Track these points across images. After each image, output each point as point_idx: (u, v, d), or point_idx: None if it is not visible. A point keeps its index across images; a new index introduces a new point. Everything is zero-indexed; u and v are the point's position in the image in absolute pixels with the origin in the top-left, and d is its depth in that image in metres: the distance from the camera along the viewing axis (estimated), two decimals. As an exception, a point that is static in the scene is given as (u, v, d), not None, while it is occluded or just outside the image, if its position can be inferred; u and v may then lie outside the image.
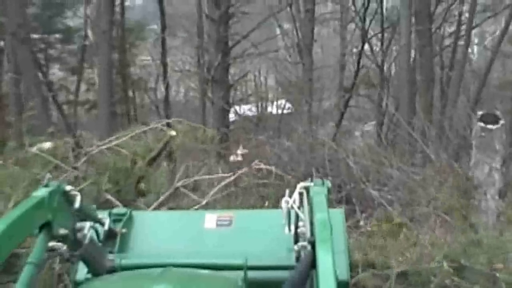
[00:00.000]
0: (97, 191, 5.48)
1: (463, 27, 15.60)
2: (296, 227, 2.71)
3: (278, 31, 21.22)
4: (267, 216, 3.47)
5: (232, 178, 6.43)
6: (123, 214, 3.30)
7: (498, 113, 6.48)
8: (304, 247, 2.49)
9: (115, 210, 3.32)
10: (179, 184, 6.22)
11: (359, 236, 5.67)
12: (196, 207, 5.82)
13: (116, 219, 3.24)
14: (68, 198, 2.68)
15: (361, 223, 6.69)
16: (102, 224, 3.06)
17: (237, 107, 19.76)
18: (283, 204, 2.73)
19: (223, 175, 6.60)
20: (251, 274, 2.86)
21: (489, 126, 6.30)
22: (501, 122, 6.34)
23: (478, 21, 17.70)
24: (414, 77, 13.42)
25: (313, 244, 2.34)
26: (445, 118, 12.46)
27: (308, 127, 12.03)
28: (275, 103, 23.14)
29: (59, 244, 2.65)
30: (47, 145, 6.29)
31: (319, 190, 2.74)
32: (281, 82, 22.28)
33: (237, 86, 20.01)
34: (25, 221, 2.38)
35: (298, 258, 2.54)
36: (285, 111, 21.26)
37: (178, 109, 20.69)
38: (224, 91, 15.25)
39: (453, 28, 17.35)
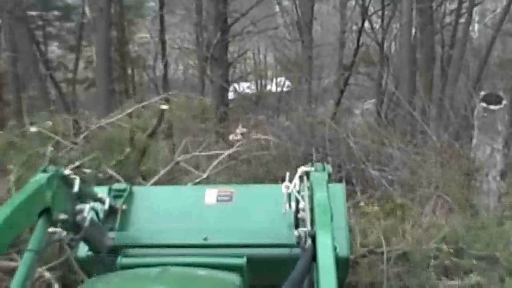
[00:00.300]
0: (97, 166, 5.47)
1: (465, 4, 15.40)
2: (297, 211, 2.71)
3: (277, 8, 21.01)
4: (268, 191, 3.43)
5: (231, 151, 6.47)
6: (123, 190, 3.29)
7: (500, 93, 6.41)
8: (304, 232, 2.45)
9: (115, 186, 3.32)
10: (180, 158, 6.21)
11: (360, 219, 5.63)
12: (197, 180, 5.83)
13: (116, 195, 3.24)
14: (67, 182, 2.68)
15: (361, 203, 6.65)
16: (103, 202, 3.07)
17: (236, 85, 19.63)
18: (283, 189, 2.75)
19: (222, 152, 6.63)
20: (251, 251, 2.90)
21: (492, 107, 6.23)
22: (504, 102, 6.27)
23: (479, -2, 17.55)
24: (414, 56, 13.29)
25: (313, 237, 2.32)
26: (445, 97, 12.37)
27: (307, 106, 11.96)
28: (274, 81, 23.03)
29: (59, 229, 2.63)
30: (48, 124, 6.29)
31: (319, 176, 2.74)
32: (280, 60, 22.12)
33: (236, 64, 19.88)
34: (25, 210, 2.38)
35: (298, 243, 2.52)
36: (284, 89, 21.15)
37: (177, 87, 20.52)
38: (223, 69, 15.13)
39: (454, 6, 17.13)
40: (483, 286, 4.44)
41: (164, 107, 6.14)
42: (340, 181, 7.63)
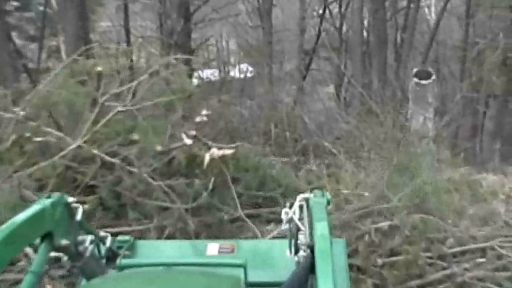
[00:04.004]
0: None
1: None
2: (296, 238, 2.77)
3: (238, -5, 21.96)
4: (269, 245, 3.64)
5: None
6: (126, 241, 3.38)
7: (430, 69, 7.67)
8: (303, 256, 2.54)
9: (118, 238, 3.39)
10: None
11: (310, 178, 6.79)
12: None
13: (118, 246, 3.30)
14: (70, 210, 2.77)
15: (313, 168, 7.80)
16: (104, 242, 3.13)
17: (200, 72, 20.51)
18: (283, 215, 2.83)
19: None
20: None
21: (423, 82, 7.48)
22: (433, 77, 7.52)
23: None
24: (367, 40, 14.50)
25: (311, 248, 2.38)
26: (399, 78, 13.63)
27: (269, 89, 13.02)
28: (237, 67, 23.91)
29: (60, 254, 2.76)
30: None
31: (318, 202, 2.80)
32: (243, 46, 23.09)
33: (199, 51, 20.77)
34: (26, 230, 2.43)
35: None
36: (248, 75, 22.07)
37: (141, 74, 21.20)
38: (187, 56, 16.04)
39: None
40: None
41: (99, 68, 6.10)
42: (297, 153, 8.83)
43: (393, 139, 7.67)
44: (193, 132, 5.85)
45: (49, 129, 5.62)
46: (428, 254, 5.41)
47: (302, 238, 2.65)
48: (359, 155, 7.82)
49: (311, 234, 2.52)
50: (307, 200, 2.83)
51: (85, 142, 5.46)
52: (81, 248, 2.83)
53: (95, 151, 5.44)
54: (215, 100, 9.91)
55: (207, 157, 5.71)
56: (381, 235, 5.45)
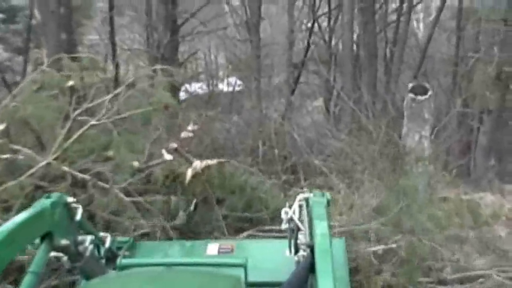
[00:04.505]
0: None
1: (406, 4, 16.35)
2: (296, 238, 2.83)
3: (226, 8, 21.60)
4: (269, 245, 3.68)
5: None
6: (126, 242, 3.43)
7: (427, 85, 7.24)
8: (303, 256, 2.58)
9: (118, 238, 3.45)
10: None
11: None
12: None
13: (118, 246, 3.35)
14: (69, 210, 2.80)
15: (304, 190, 7.33)
16: (103, 242, 3.15)
17: (187, 85, 20.09)
18: (283, 214, 2.90)
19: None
20: None
21: (419, 97, 7.05)
22: (429, 93, 7.10)
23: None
24: (356, 53, 14.09)
25: (311, 248, 2.43)
26: (389, 92, 13.21)
27: (257, 103, 12.61)
28: (225, 80, 23.51)
29: (60, 254, 2.77)
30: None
31: (318, 201, 2.84)
32: (231, 60, 22.73)
33: (186, 64, 20.36)
34: (25, 230, 2.44)
35: None
36: (236, 89, 21.67)
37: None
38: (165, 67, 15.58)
39: (396, 5, 18.08)
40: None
41: (71, 83, 5.86)
42: (286, 171, 8.35)
43: (387, 158, 7.25)
44: (175, 145, 5.45)
45: (16, 146, 5.10)
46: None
47: (302, 238, 2.70)
48: (351, 175, 7.34)
49: (311, 234, 2.55)
50: (307, 200, 2.86)
51: (55, 159, 5.00)
52: (81, 248, 2.85)
53: (66, 169, 4.95)
54: (202, 115, 9.49)
55: (189, 172, 5.25)
56: (378, 259, 5.03)
